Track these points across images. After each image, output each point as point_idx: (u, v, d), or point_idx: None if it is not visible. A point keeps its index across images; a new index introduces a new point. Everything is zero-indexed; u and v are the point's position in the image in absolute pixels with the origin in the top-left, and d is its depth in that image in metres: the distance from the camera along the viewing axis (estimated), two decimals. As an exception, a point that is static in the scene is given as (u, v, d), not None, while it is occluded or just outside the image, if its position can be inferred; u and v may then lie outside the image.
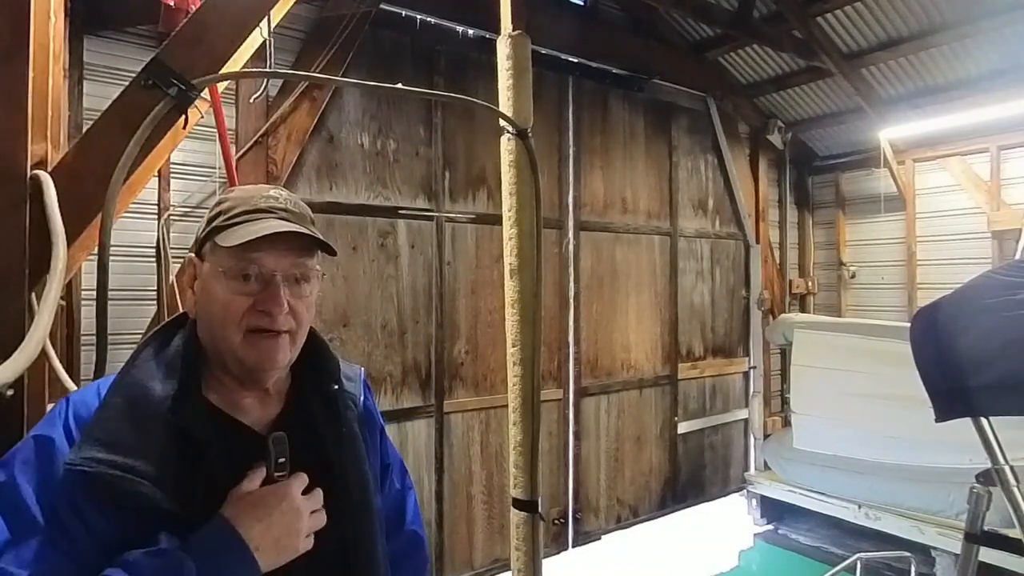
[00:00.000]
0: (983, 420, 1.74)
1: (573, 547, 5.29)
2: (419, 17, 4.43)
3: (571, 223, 5.34)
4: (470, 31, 4.64)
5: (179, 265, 3.39)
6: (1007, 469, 1.71)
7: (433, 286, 4.55)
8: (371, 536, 1.10)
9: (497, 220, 4.75)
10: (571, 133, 5.35)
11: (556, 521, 5.17)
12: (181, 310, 1.10)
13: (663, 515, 5.91)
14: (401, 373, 4.42)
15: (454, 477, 4.64)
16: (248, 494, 0.95)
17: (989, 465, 1.73)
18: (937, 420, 1.79)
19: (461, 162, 4.73)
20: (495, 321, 4.72)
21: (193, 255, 1.07)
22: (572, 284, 5.35)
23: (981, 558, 1.80)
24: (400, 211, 4.43)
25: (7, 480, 0.87)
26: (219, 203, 1.06)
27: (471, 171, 4.77)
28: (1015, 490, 1.68)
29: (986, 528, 1.78)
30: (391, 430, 4.36)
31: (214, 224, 1.02)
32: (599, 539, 5.46)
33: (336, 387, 1.14)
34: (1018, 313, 1.70)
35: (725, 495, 6.42)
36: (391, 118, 4.40)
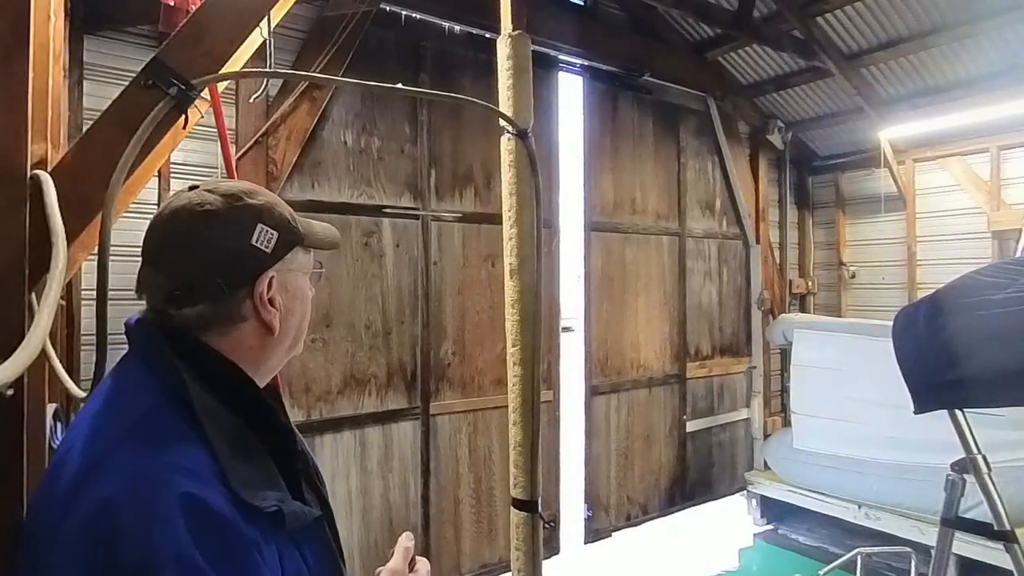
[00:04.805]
0: (958, 412, 1.83)
1: (585, 544, 5.31)
2: (419, 17, 4.42)
3: (583, 223, 5.40)
4: (472, 30, 4.63)
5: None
6: (980, 458, 1.81)
7: (419, 286, 4.48)
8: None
9: (485, 219, 4.78)
10: (583, 132, 5.40)
11: (546, 524, 5.15)
12: (275, 332, 0.98)
13: (672, 513, 5.95)
14: (386, 374, 4.34)
15: (441, 480, 4.55)
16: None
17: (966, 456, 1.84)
18: (916, 412, 1.88)
19: (447, 160, 4.66)
20: (483, 322, 4.69)
21: (271, 271, 0.96)
22: (583, 284, 5.39)
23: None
24: (385, 210, 4.36)
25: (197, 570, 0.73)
26: (265, 206, 0.97)
27: (458, 169, 4.71)
28: (987, 477, 1.78)
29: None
30: (376, 431, 4.30)
31: (293, 228, 0.99)
32: (610, 536, 5.47)
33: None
34: (994, 312, 1.74)
35: (732, 493, 6.44)
36: (375, 115, 4.33)
